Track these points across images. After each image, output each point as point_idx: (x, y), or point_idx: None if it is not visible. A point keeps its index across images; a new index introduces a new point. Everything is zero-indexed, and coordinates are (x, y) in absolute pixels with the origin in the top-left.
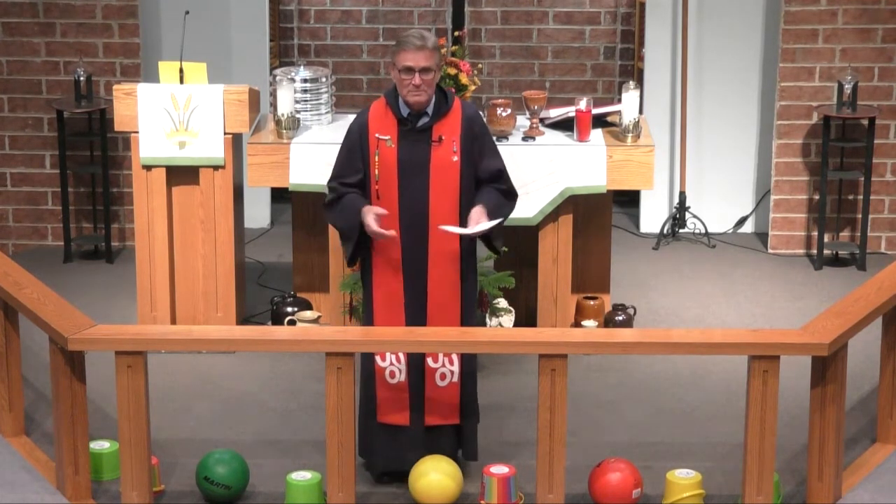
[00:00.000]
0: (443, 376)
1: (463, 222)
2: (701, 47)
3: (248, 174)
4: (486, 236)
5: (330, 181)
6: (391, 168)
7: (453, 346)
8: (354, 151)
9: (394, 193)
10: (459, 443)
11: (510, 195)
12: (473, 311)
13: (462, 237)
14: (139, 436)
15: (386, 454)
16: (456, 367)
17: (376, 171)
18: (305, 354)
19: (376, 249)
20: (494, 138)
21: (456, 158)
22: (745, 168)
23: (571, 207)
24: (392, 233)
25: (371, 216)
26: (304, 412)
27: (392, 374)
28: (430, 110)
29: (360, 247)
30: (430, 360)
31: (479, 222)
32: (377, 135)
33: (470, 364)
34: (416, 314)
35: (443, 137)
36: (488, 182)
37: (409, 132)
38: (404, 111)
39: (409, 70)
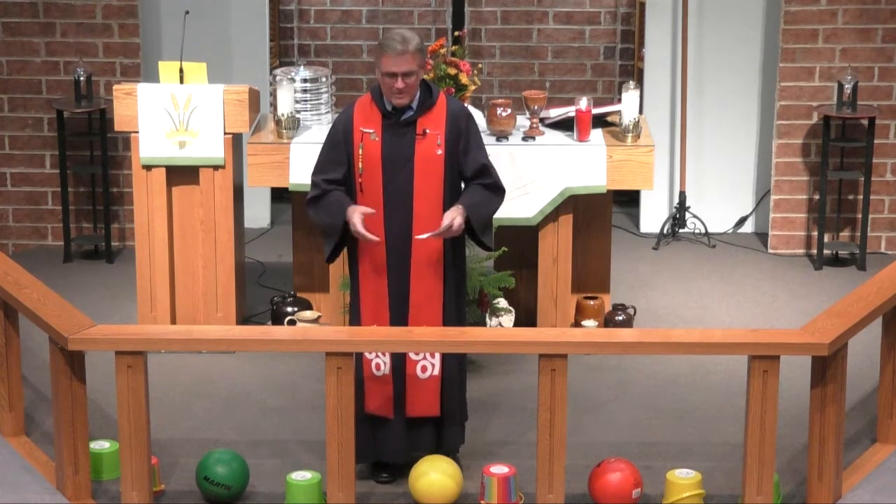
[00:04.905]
0: (423, 369)
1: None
2: (701, 47)
3: (248, 174)
4: (473, 233)
5: (313, 177)
6: (375, 161)
7: (454, 346)
8: (338, 146)
9: (378, 187)
10: (440, 437)
11: (497, 189)
12: (459, 304)
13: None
14: (139, 436)
15: (367, 444)
16: (437, 361)
17: (360, 165)
18: (305, 354)
19: (361, 243)
20: (494, 138)
21: (440, 152)
22: (745, 168)
23: (571, 207)
24: (376, 238)
25: (358, 216)
26: (304, 412)
27: (378, 367)
28: (414, 104)
29: (341, 245)
30: (411, 353)
31: (449, 221)
32: (361, 128)
33: (456, 359)
34: (400, 306)
35: (427, 131)
36: (473, 178)
37: (394, 125)
38: (388, 105)
39: (392, 75)
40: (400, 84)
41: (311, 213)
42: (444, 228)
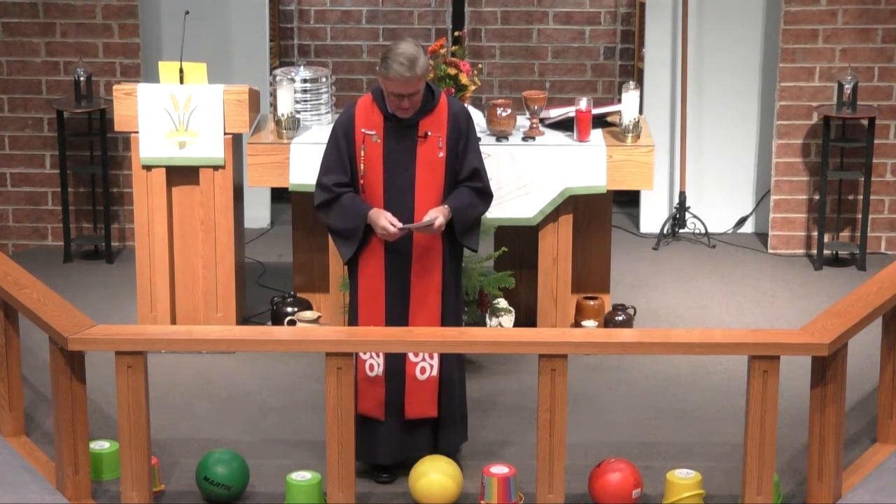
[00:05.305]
0: (422, 370)
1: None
2: (701, 47)
3: (248, 174)
4: (454, 233)
5: (321, 180)
6: (377, 163)
7: (453, 346)
8: (342, 148)
9: (379, 188)
10: (437, 438)
11: (484, 194)
12: (457, 305)
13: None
14: (139, 436)
15: (361, 445)
16: (435, 362)
17: (362, 166)
18: (305, 354)
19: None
20: (494, 138)
21: (442, 154)
22: (745, 168)
23: (571, 207)
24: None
25: (384, 220)
26: (304, 412)
27: (371, 368)
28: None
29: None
30: (410, 355)
31: (431, 219)
32: (363, 130)
33: (451, 359)
34: (399, 307)
35: (429, 133)
36: (464, 180)
37: (395, 128)
38: (390, 108)
39: (399, 96)
40: (406, 104)
41: (324, 217)
42: (425, 224)
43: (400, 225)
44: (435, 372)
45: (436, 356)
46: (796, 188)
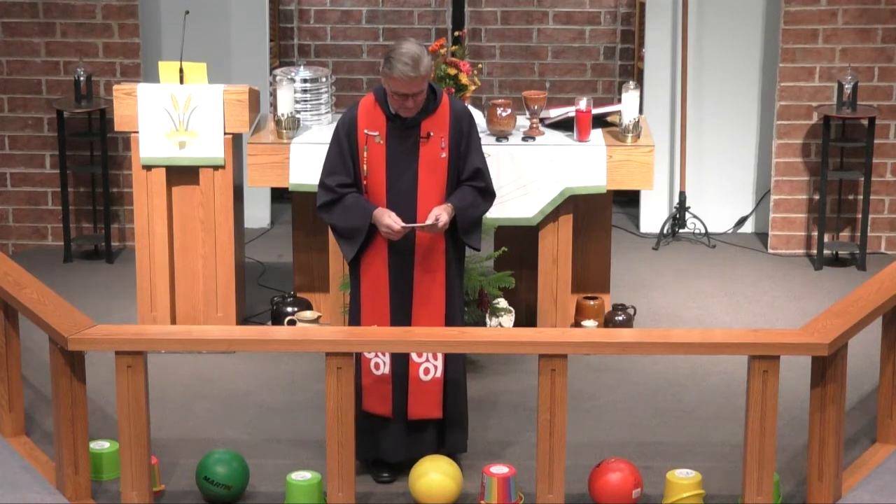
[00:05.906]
0: (426, 371)
1: None
2: (701, 47)
3: (248, 174)
4: (456, 232)
5: (324, 180)
6: (379, 164)
7: (453, 346)
8: (344, 149)
9: (382, 189)
10: (443, 438)
11: (487, 193)
12: (459, 305)
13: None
14: (139, 436)
15: (366, 443)
16: (440, 363)
17: (364, 167)
18: (305, 354)
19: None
20: (494, 138)
21: (444, 154)
22: (745, 168)
23: (571, 207)
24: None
25: (388, 219)
26: (304, 412)
27: (377, 366)
28: None
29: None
30: (414, 355)
31: (434, 219)
32: (366, 131)
33: (457, 360)
34: (401, 307)
35: (431, 134)
36: (467, 180)
37: (398, 128)
38: (393, 108)
39: (403, 96)
40: (410, 104)
41: (328, 217)
42: (429, 224)
43: (403, 223)
44: (439, 373)
45: (440, 357)
46: (796, 188)
